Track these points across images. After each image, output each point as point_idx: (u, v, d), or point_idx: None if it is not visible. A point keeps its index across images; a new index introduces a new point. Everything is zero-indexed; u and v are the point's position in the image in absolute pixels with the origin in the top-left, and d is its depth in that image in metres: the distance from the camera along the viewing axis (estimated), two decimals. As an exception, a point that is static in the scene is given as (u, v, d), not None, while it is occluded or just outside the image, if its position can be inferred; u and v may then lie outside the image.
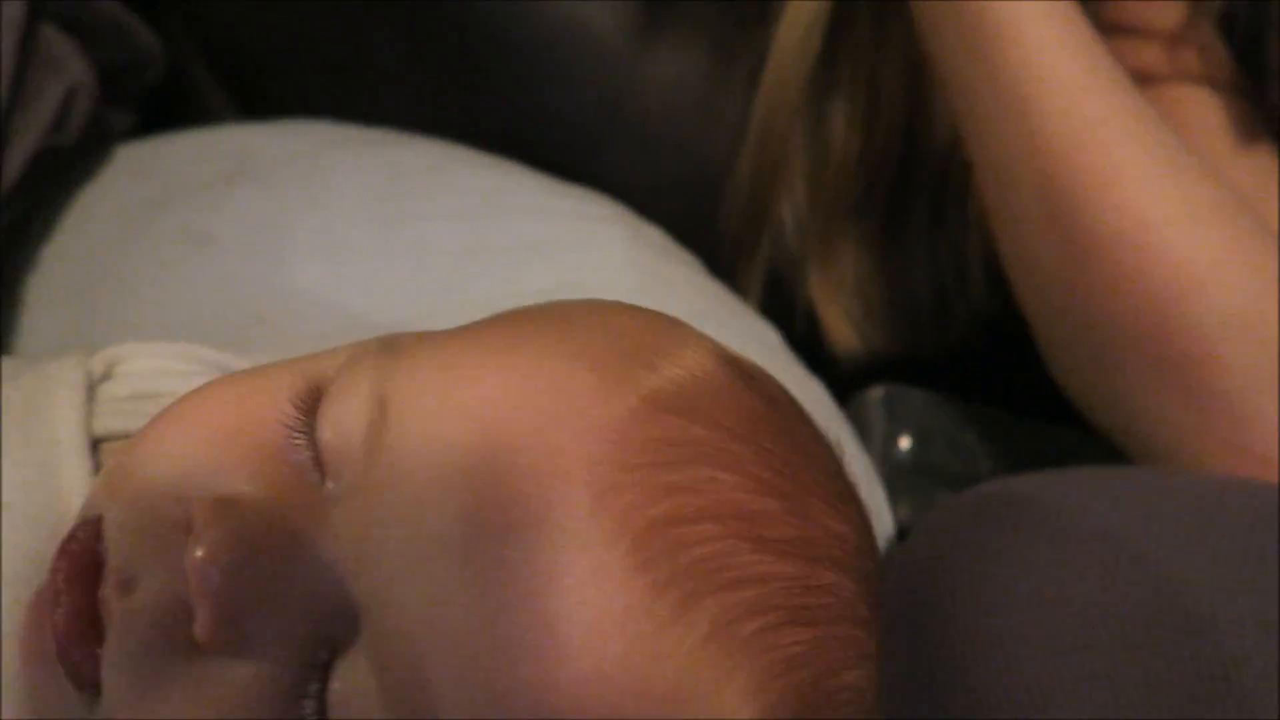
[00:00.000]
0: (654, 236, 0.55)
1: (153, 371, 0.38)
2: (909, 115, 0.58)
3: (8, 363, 0.44)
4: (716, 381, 0.29)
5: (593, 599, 0.25)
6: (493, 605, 0.25)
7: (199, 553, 0.25)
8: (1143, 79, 0.55)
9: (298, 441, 0.28)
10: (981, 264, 0.59)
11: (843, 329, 0.61)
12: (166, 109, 0.62)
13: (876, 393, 0.57)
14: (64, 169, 0.54)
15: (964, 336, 0.60)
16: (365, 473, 0.26)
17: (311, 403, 0.28)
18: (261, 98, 0.64)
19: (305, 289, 0.48)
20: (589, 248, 0.50)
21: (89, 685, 0.26)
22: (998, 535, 0.39)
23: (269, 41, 0.63)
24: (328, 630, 0.26)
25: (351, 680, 0.25)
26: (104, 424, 0.34)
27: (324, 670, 0.26)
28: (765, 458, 0.28)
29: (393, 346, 0.29)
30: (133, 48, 0.57)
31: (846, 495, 0.30)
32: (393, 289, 0.48)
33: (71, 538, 0.27)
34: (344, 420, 0.27)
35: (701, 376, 0.28)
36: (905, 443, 0.55)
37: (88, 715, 0.26)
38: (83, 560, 0.27)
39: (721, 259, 0.60)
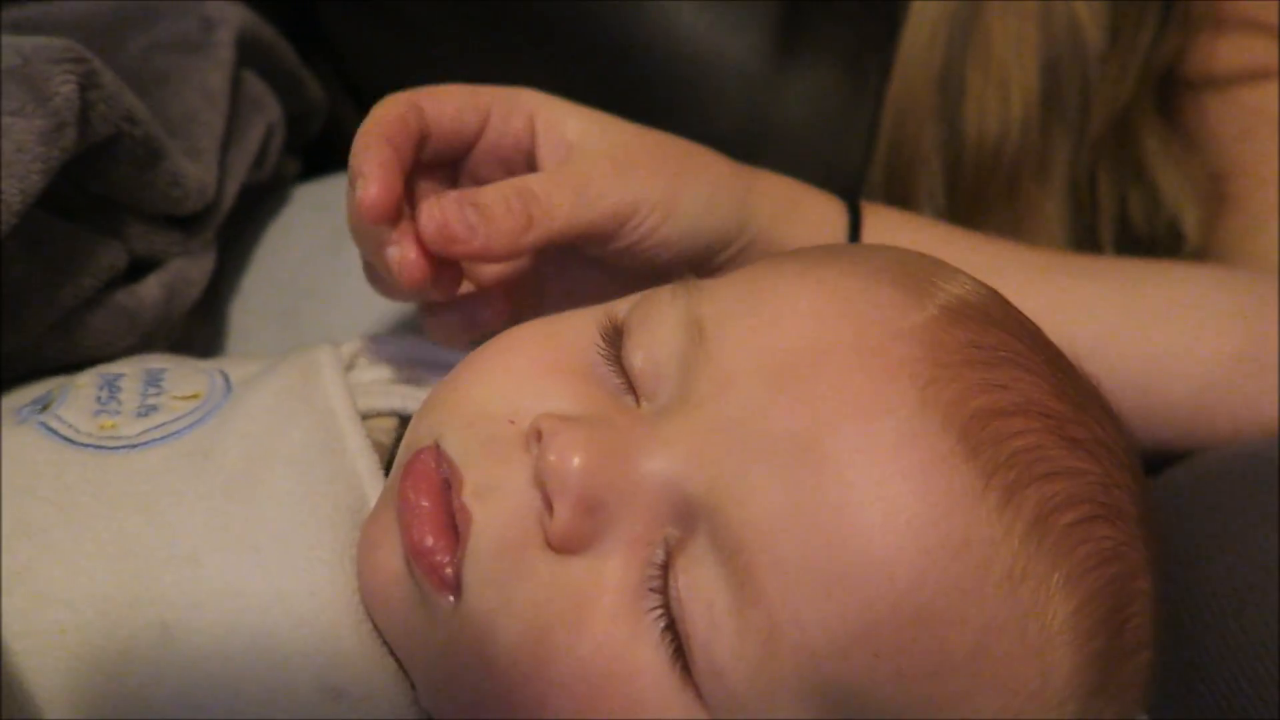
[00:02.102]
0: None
1: (392, 360, 0.41)
2: (1043, 108, 0.59)
3: (250, 356, 0.47)
4: (993, 299, 0.31)
5: (932, 481, 0.26)
6: (837, 489, 0.26)
7: (551, 457, 0.27)
8: (1250, 75, 0.57)
9: (609, 369, 0.30)
10: (1113, 245, 0.61)
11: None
12: (322, 155, 0.66)
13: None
14: (254, 206, 0.57)
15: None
16: (685, 389, 0.28)
17: (615, 336, 0.30)
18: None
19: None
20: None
21: (448, 587, 0.28)
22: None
23: (415, 83, 0.67)
24: (665, 530, 0.27)
25: (696, 573, 0.27)
26: (359, 403, 0.36)
27: (663, 570, 0.27)
28: (1052, 366, 0.29)
29: (690, 284, 0.31)
30: (304, 98, 0.61)
31: (1114, 411, 0.31)
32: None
33: (415, 459, 0.29)
34: (655, 345, 0.29)
35: (979, 294, 0.30)
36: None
37: (443, 620, 0.28)
38: (429, 479, 0.29)
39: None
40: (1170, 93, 0.60)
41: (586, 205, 0.36)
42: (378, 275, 0.41)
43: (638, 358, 0.29)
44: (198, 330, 0.50)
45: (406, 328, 0.51)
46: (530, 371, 0.30)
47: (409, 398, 0.37)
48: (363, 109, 0.70)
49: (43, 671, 0.27)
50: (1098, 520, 0.28)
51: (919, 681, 0.26)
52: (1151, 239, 0.61)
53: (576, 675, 0.26)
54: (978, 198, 0.61)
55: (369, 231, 0.35)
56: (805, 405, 0.27)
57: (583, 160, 0.38)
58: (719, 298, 0.30)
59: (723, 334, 0.29)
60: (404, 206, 0.36)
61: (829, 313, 0.28)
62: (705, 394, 0.28)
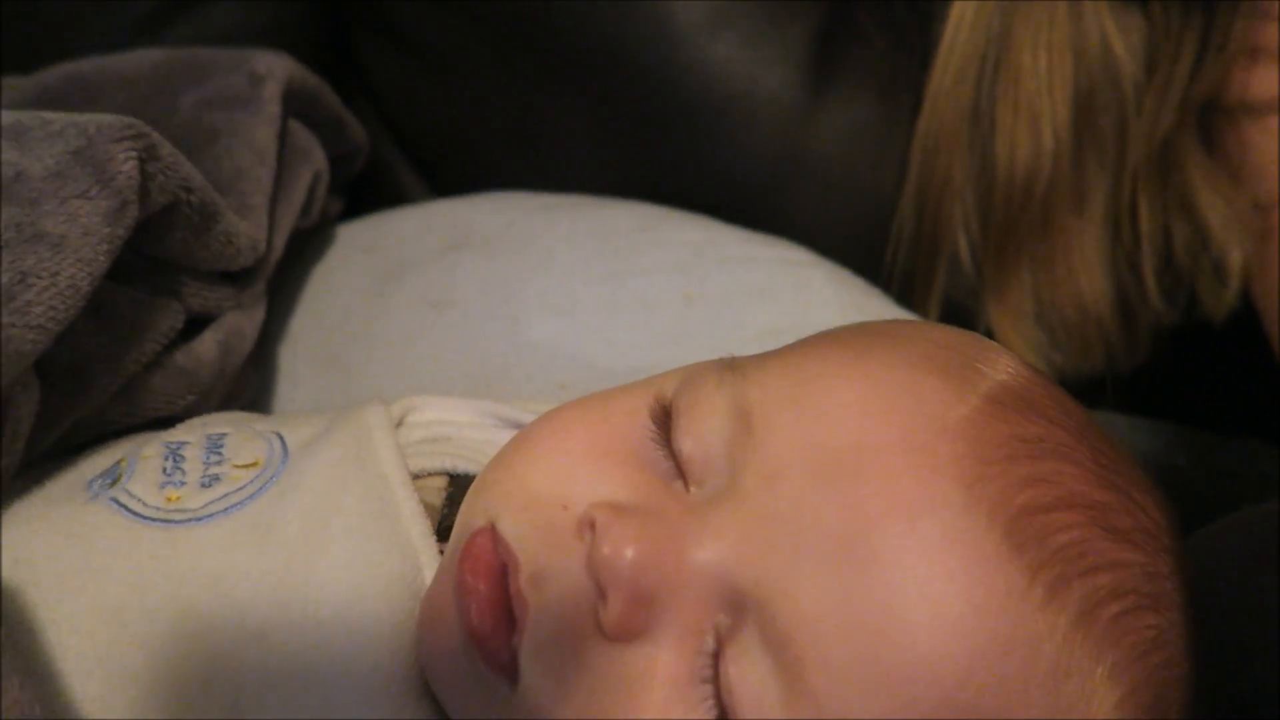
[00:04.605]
0: (850, 277, 0.58)
1: (440, 420, 0.42)
2: (1075, 137, 0.59)
3: (302, 414, 0.48)
4: (1034, 382, 0.31)
5: (977, 580, 0.27)
6: (884, 588, 0.27)
7: (605, 550, 0.28)
8: None
9: (659, 453, 0.31)
10: (1155, 275, 0.60)
11: (1029, 357, 0.62)
12: (363, 191, 0.67)
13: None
14: (299, 249, 0.59)
15: (1155, 352, 0.61)
16: (733, 478, 0.29)
17: (663, 418, 0.31)
18: (450, 176, 0.69)
19: (543, 343, 0.52)
20: (802, 289, 0.53)
21: (506, 671, 0.29)
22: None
23: (453, 118, 0.68)
24: (715, 619, 0.28)
25: (745, 664, 0.28)
26: (410, 463, 0.37)
27: (714, 659, 0.28)
28: (1096, 453, 0.30)
29: (735, 366, 0.32)
30: (346, 139, 0.63)
31: (1157, 491, 0.31)
32: (625, 337, 0.52)
33: (473, 543, 0.30)
34: (704, 433, 0.30)
35: (1021, 378, 0.31)
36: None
37: (500, 701, 0.29)
38: (487, 562, 0.30)
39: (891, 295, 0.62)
40: (1213, 123, 0.60)
41: None
42: None
43: (686, 444, 0.30)
44: (249, 377, 0.52)
45: (446, 377, 0.52)
46: (583, 455, 0.31)
47: (458, 457, 0.39)
48: (403, 146, 0.72)
49: None
50: (1143, 611, 0.28)
51: None
52: (1194, 273, 0.60)
53: None
54: (1010, 230, 0.61)
55: None
56: (852, 502, 0.28)
57: None
58: (767, 385, 0.31)
59: (769, 425, 0.29)
60: None
61: (874, 409, 0.29)
62: (753, 486, 0.29)
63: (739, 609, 0.28)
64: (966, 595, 0.27)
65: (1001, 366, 0.31)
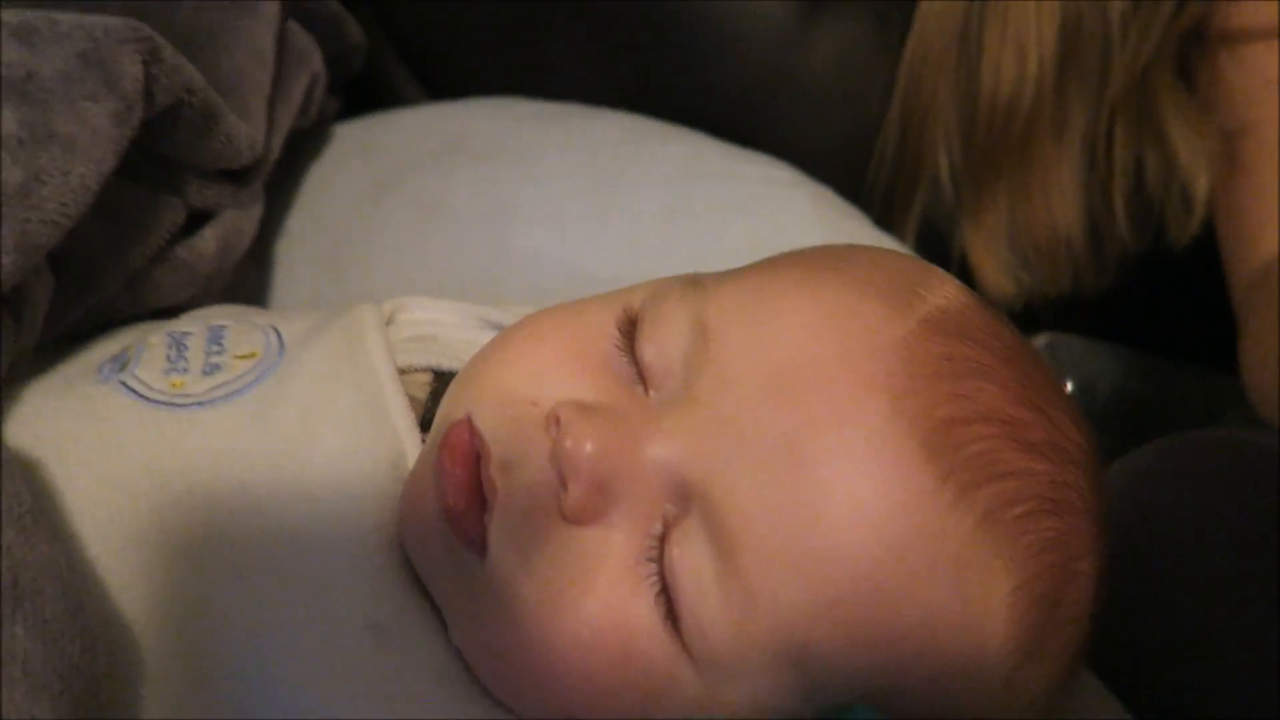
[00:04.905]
0: (830, 196, 0.60)
1: (428, 320, 0.44)
2: (1059, 66, 0.60)
3: (298, 310, 0.51)
4: (971, 309, 0.34)
5: (894, 482, 0.30)
6: (810, 485, 0.30)
7: (568, 443, 0.31)
8: (1265, 34, 0.57)
9: (623, 359, 0.33)
10: (1126, 203, 0.62)
11: (998, 277, 0.64)
12: (360, 91, 0.68)
13: (1040, 340, 0.60)
14: (298, 149, 0.60)
15: (1118, 278, 0.64)
16: (688, 385, 0.32)
17: (629, 327, 0.34)
18: (445, 79, 0.70)
19: (532, 251, 0.54)
20: (782, 209, 0.55)
21: (476, 547, 0.32)
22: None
23: (452, 27, 0.69)
24: (663, 507, 0.31)
25: (687, 546, 0.31)
26: (397, 359, 0.40)
27: (660, 541, 0.31)
28: (1020, 374, 0.33)
29: (698, 282, 0.35)
30: (344, 39, 0.64)
31: (1077, 412, 0.34)
32: (610, 248, 0.54)
33: (451, 432, 0.33)
34: (664, 342, 0.33)
35: (959, 305, 0.34)
36: (1068, 388, 0.58)
37: (471, 572, 0.32)
38: (463, 450, 0.33)
39: (871, 214, 0.64)
40: (1188, 54, 0.61)
41: None
42: None
43: (649, 352, 0.33)
44: (249, 274, 0.54)
45: (437, 280, 0.54)
46: (553, 359, 0.34)
47: (442, 355, 0.41)
48: (399, 48, 0.72)
49: (133, 608, 0.32)
50: (1044, 514, 0.32)
51: (872, 648, 0.30)
52: (1162, 201, 0.62)
53: (583, 627, 0.31)
54: (990, 155, 0.62)
55: None
56: (792, 410, 0.30)
57: None
58: (724, 302, 0.33)
59: (724, 339, 0.32)
60: None
61: (819, 327, 0.32)
62: (706, 392, 0.32)
63: (685, 499, 0.31)
64: (883, 494, 0.30)
65: (942, 293, 0.34)
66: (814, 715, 0.30)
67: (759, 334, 0.32)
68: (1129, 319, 0.67)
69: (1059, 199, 0.63)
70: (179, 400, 0.36)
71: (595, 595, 0.31)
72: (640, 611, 0.31)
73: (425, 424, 0.38)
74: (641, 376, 0.33)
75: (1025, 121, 0.61)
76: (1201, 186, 0.60)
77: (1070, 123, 0.62)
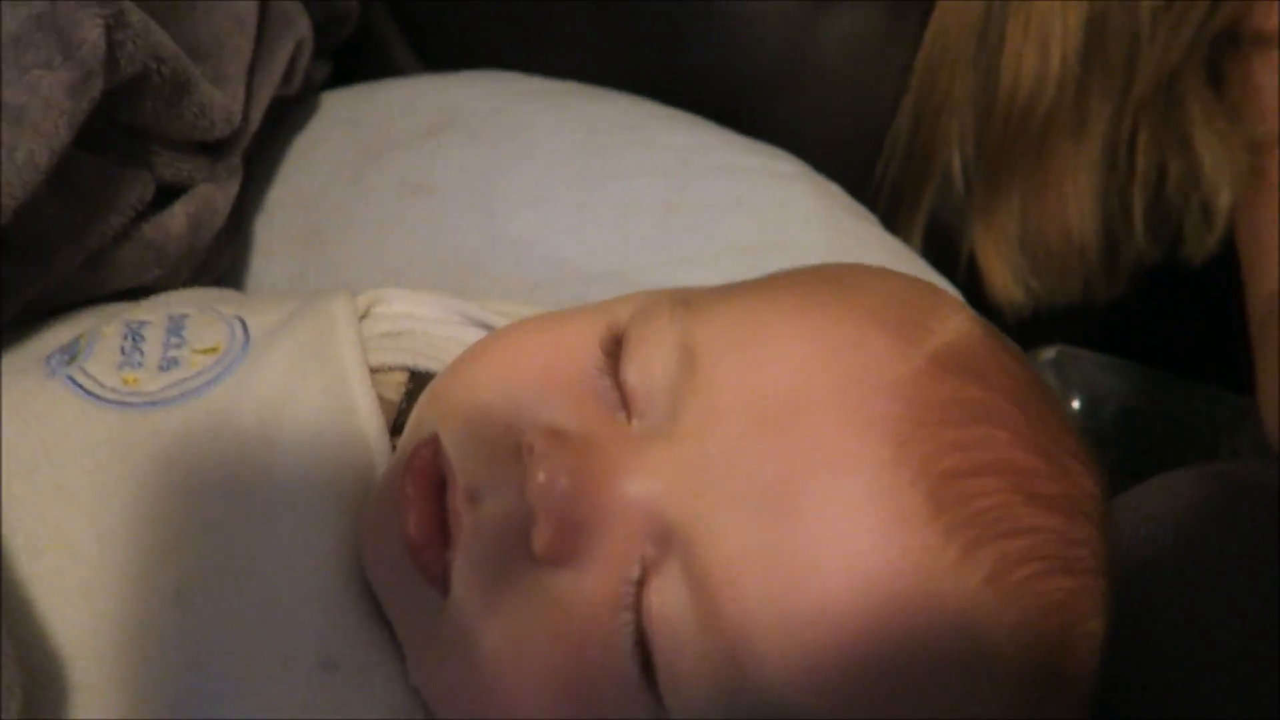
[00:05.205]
0: (836, 192, 0.57)
1: (405, 314, 0.42)
2: (1083, 62, 0.58)
3: (270, 297, 0.48)
4: (982, 344, 0.31)
5: (894, 538, 0.28)
6: (801, 538, 0.28)
7: (541, 476, 0.29)
8: None
9: (605, 382, 0.31)
10: (1144, 210, 0.60)
11: (1007, 281, 0.62)
12: (351, 58, 0.65)
13: (1047, 353, 0.58)
14: (281, 118, 0.58)
15: (1130, 289, 0.61)
16: (673, 415, 0.30)
17: (613, 347, 0.32)
18: (443, 50, 0.67)
19: (519, 238, 0.51)
20: (783, 205, 0.53)
21: (438, 583, 0.30)
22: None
23: (453, -1, 0.66)
24: (642, 550, 0.29)
25: (666, 594, 0.29)
26: (370, 357, 0.38)
27: (638, 587, 0.29)
28: (1031, 418, 0.30)
29: (688, 301, 0.32)
30: (334, 5, 0.61)
31: (1090, 455, 0.32)
32: (601, 240, 0.51)
33: (415, 454, 0.31)
34: (649, 367, 0.31)
35: (969, 339, 0.31)
36: (1075, 405, 0.56)
37: (432, 609, 0.30)
38: (427, 474, 0.30)
39: (878, 210, 0.61)
40: (1220, 58, 0.58)
41: None
42: None
43: (632, 375, 0.31)
44: (222, 249, 0.51)
45: (419, 265, 0.52)
46: (531, 378, 0.31)
47: (418, 353, 0.39)
48: (395, 10, 0.69)
49: (66, 631, 0.29)
50: (1053, 574, 0.29)
51: (861, 712, 0.28)
52: (1182, 212, 0.60)
53: (550, 678, 0.29)
54: (1006, 153, 0.60)
55: None
56: (783, 453, 0.28)
57: None
58: (715, 326, 0.31)
59: (713, 368, 0.30)
60: None
61: (815, 362, 0.29)
62: (691, 426, 0.29)
63: (665, 543, 0.29)
64: (881, 551, 0.28)
65: (951, 325, 0.31)
66: None
67: (751, 364, 0.29)
68: (1139, 332, 0.65)
69: (1074, 202, 0.61)
70: (131, 399, 0.34)
71: (565, 643, 0.29)
72: (613, 662, 0.29)
73: (399, 428, 0.36)
74: (624, 402, 0.31)
75: (1044, 120, 0.59)
76: (1224, 200, 0.57)
77: (1091, 123, 0.59)
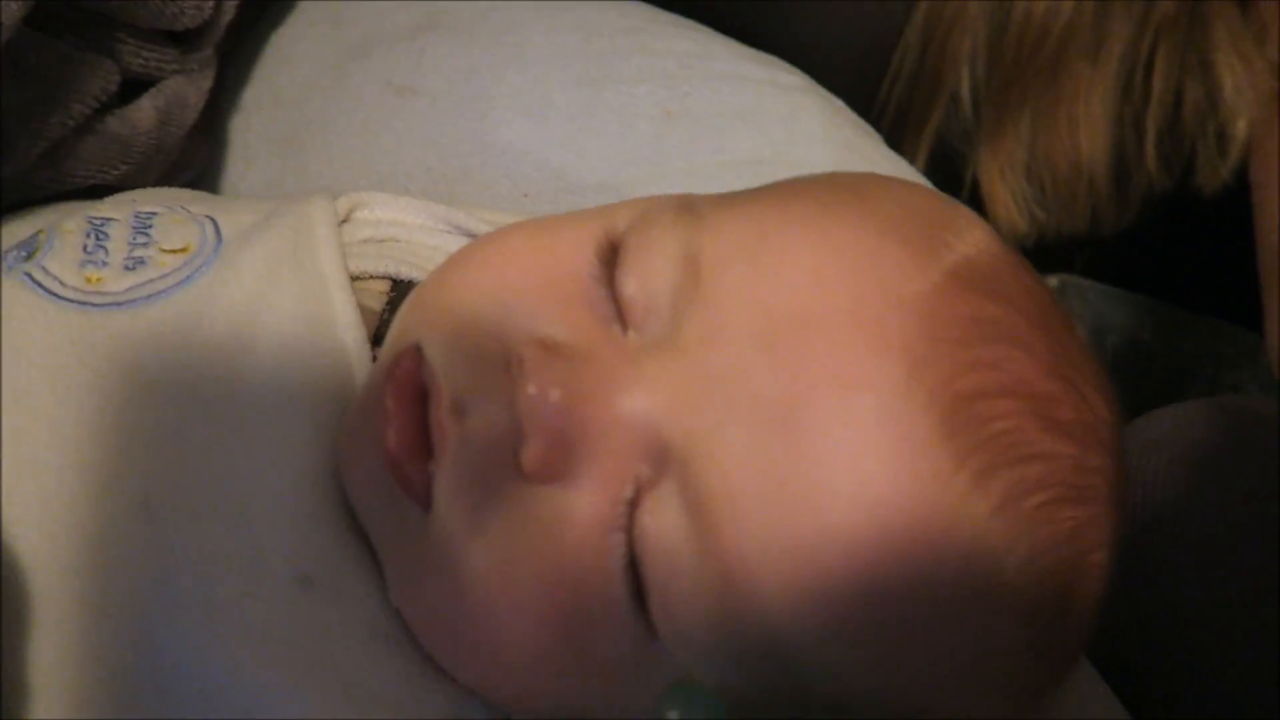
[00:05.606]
0: (841, 108, 0.54)
1: (388, 221, 0.40)
2: None
3: (244, 199, 0.46)
4: (1001, 261, 0.30)
5: (904, 461, 0.26)
6: (807, 458, 0.26)
7: (531, 390, 0.27)
8: None
9: (601, 292, 0.29)
10: (1158, 137, 0.58)
11: (1010, 209, 0.60)
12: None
13: (1051, 282, 0.56)
14: (259, 14, 0.54)
15: (1136, 220, 0.60)
16: (674, 328, 0.28)
17: (610, 255, 0.29)
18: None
19: (511, 145, 0.49)
20: (790, 119, 0.50)
21: (419, 498, 0.28)
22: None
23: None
24: (636, 469, 0.28)
25: (661, 516, 0.27)
26: (351, 264, 0.36)
27: (631, 508, 0.28)
28: (1051, 341, 0.29)
29: (692, 208, 0.30)
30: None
31: (1107, 383, 0.31)
32: (597, 149, 0.49)
33: (397, 364, 0.29)
34: (648, 277, 0.29)
35: (989, 255, 0.29)
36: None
37: (414, 525, 0.28)
38: (409, 385, 0.28)
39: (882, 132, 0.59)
40: None
41: None
42: None
43: (630, 285, 0.29)
44: (196, 149, 0.49)
45: (405, 171, 0.49)
46: (522, 286, 0.29)
47: (402, 261, 0.37)
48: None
49: (27, 539, 0.28)
50: (1066, 502, 0.28)
51: (864, 645, 0.27)
52: (1196, 139, 0.58)
53: (537, 600, 0.27)
54: (1018, 74, 0.58)
55: None
56: (791, 370, 0.26)
57: None
58: (721, 234, 0.29)
59: (719, 278, 0.28)
60: None
61: (829, 274, 0.27)
62: (693, 339, 0.27)
63: (662, 462, 0.27)
64: (890, 476, 0.26)
65: (971, 239, 0.29)
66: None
67: (760, 275, 0.27)
68: (1143, 264, 0.63)
69: (1086, 128, 0.59)
70: (93, 299, 0.32)
71: (553, 564, 0.27)
72: (604, 585, 0.27)
73: (380, 339, 0.34)
74: (620, 314, 0.29)
75: (1060, 40, 0.57)
76: (1241, 127, 0.55)
77: (1109, 45, 0.57)
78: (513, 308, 0.29)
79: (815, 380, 0.26)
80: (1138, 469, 0.41)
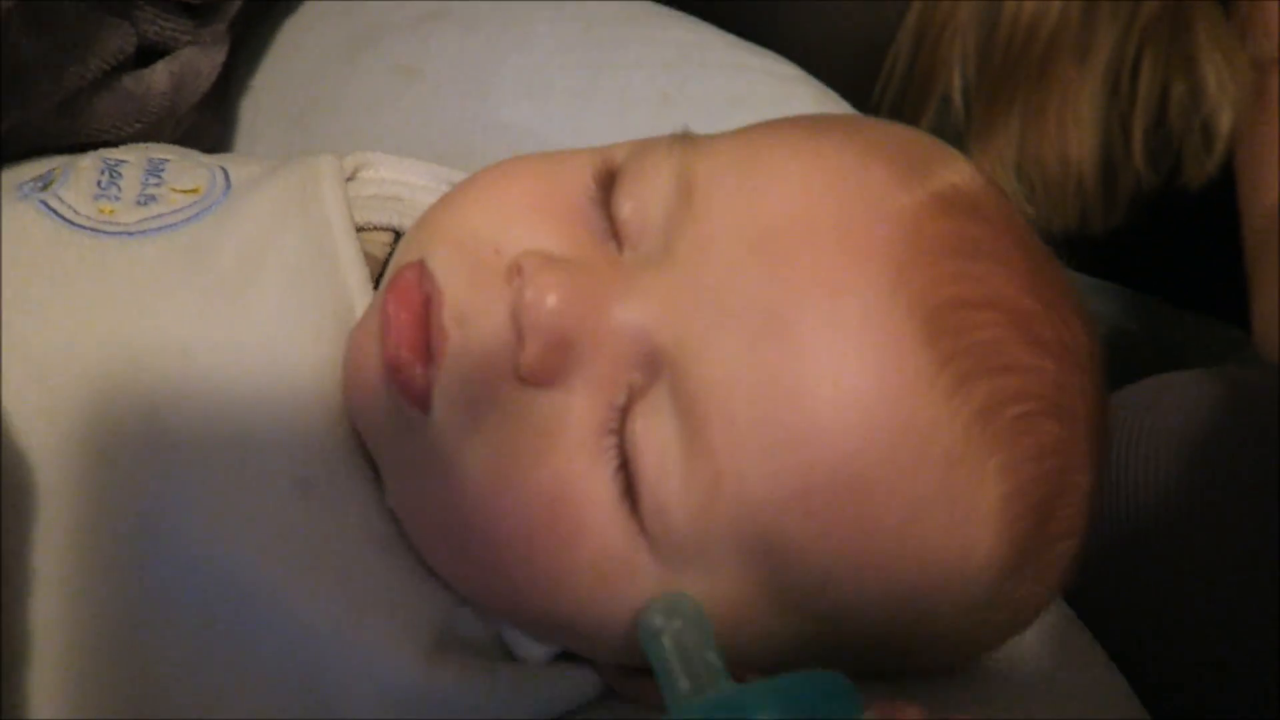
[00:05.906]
0: (835, 98, 0.56)
1: (392, 180, 0.41)
2: None
3: (256, 158, 0.47)
4: (986, 191, 0.31)
5: (887, 363, 0.27)
6: (793, 359, 0.27)
7: (529, 294, 0.28)
8: None
9: (598, 214, 0.30)
10: (1145, 136, 0.59)
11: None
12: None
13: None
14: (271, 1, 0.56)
15: (1125, 218, 0.61)
16: (668, 244, 0.29)
17: (607, 181, 0.31)
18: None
19: (512, 124, 0.50)
20: (783, 104, 0.52)
21: (419, 401, 0.29)
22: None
23: None
24: (629, 376, 0.28)
25: (652, 419, 0.28)
26: (356, 215, 0.37)
27: (623, 412, 0.28)
28: (1032, 263, 0.30)
29: (688, 139, 0.31)
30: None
31: (1086, 310, 0.31)
32: (596, 130, 0.50)
33: (400, 275, 0.30)
34: (644, 197, 0.30)
35: (974, 185, 0.30)
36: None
37: (413, 430, 0.29)
38: (412, 294, 0.29)
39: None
40: None
41: None
42: None
43: (626, 206, 0.30)
44: (207, 126, 0.50)
45: (409, 149, 0.51)
46: (522, 205, 0.30)
47: (405, 215, 0.38)
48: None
49: (35, 448, 0.28)
50: (1045, 416, 0.29)
51: (845, 542, 0.27)
52: (1182, 135, 0.59)
53: (531, 499, 0.28)
54: (1008, 74, 0.59)
55: None
56: (779, 277, 0.27)
57: None
58: (714, 157, 0.30)
59: (710, 195, 0.29)
60: None
61: (817, 186, 0.28)
62: (685, 252, 0.28)
63: (653, 368, 0.28)
64: (874, 375, 0.27)
65: (956, 169, 0.30)
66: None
67: (749, 190, 0.29)
68: (1130, 261, 0.64)
69: (1074, 127, 0.60)
70: (106, 227, 0.33)
71: (547, 465, 0.28)
72: (596, 486, 0.28)
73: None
74: (616, 233, 0.30)
75: (1048, 41, 0.58)
76: (1225, 121, 0.57)
77: (1096, 47, 0.59)
78: (513, 225, 0.30)
79: (802, 286, 0.27)
80: (1137, 433, 0.41)
